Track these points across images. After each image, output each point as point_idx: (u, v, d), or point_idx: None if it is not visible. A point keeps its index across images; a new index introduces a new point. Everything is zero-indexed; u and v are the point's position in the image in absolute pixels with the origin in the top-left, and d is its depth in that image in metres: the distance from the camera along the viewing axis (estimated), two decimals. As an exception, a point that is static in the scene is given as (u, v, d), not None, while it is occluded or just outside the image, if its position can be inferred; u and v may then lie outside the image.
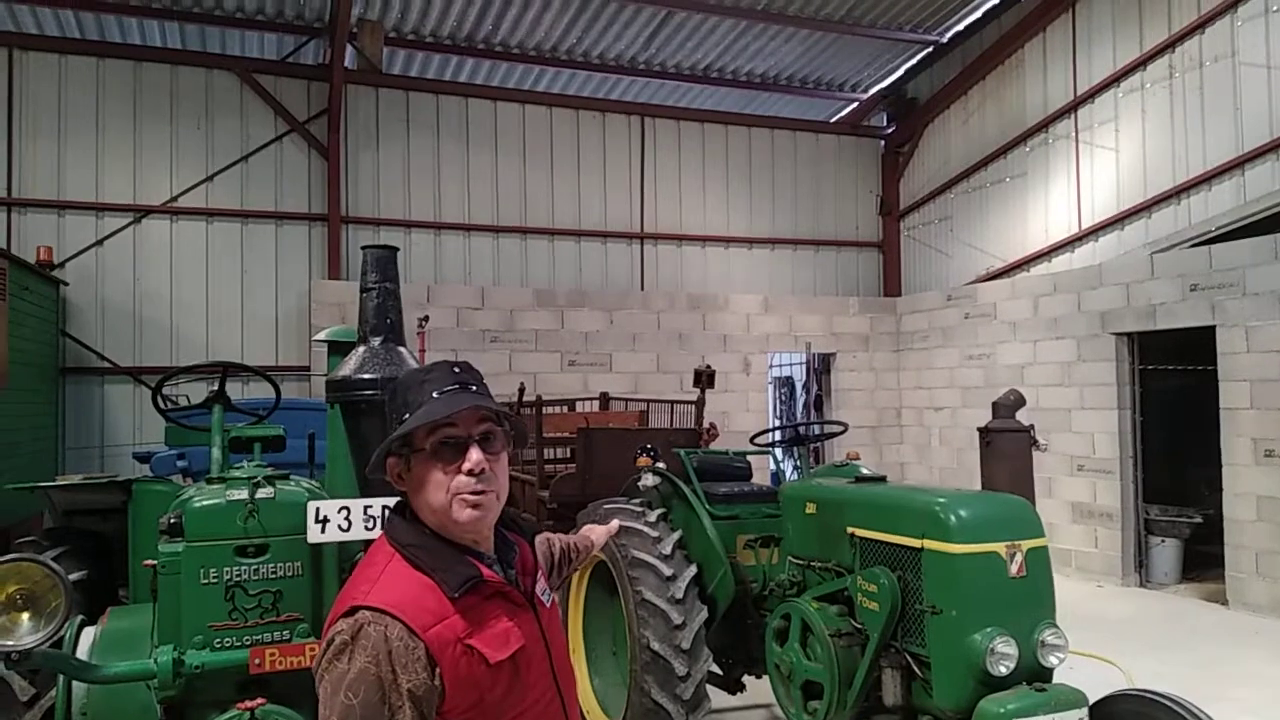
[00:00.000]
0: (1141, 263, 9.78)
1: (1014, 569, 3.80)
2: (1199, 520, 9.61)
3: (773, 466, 17.46)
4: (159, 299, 10.83)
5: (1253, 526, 8.54)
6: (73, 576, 4.14)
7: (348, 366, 3.17)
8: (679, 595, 4.76)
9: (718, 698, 5.23)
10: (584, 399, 10.17)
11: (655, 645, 4.64)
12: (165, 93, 10.94)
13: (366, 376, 3.12)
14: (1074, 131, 11.32)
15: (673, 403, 8.60)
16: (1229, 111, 9.57)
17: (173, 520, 3.07)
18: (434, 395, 1.74)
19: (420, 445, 1.73)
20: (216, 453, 4.43)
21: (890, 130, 14.38)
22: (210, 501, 3.04)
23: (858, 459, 5.49)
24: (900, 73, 13.64)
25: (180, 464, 6.48)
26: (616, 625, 5.41)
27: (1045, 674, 3.79)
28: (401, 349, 3.28)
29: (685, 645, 4.66)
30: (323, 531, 3.03)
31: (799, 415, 17.59)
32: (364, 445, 3.16)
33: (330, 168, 11.38)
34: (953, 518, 3.86)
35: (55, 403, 9.96)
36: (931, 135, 13.74)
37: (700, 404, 8.00)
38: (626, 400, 9.99)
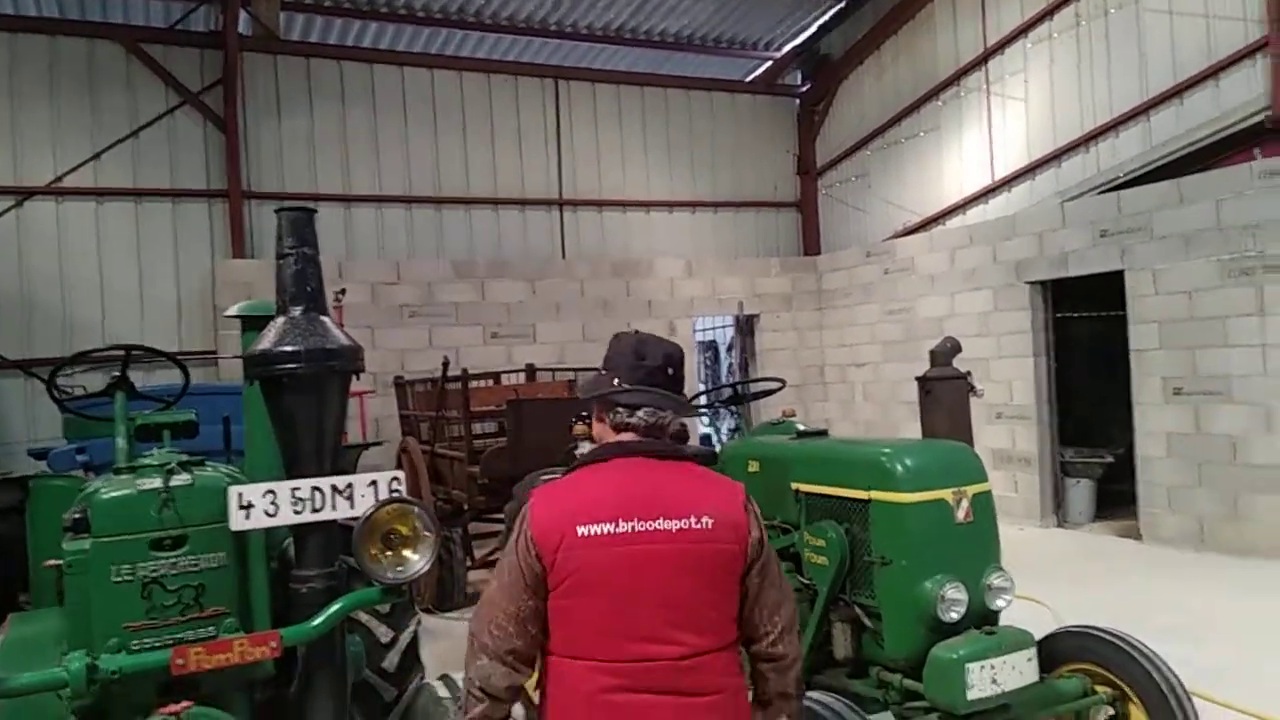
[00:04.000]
0: (1053, 211, 9.99)
1: (960, 515, 3.80)
2: (1111, 460, 9.94)
3: (703, 429, 17.54)
4: (48, 286, 10.17)
5: (1163, 463, 8.86)
6: (-33, 584, 3.84)
7: (267, 340, 2.92)
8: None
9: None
10: (510, 371, 9.96)
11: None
12: (44, 66, 10.20)
13: (288, 349, 2.88)
14: (985, 84, 11.47)
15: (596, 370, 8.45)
16: (1134, 58, 9.79)
17: (77, 515, 2.81)
18: (643, 387, 2.27)
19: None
20: (122, 442, 4.13)
21: (805, 89, 14.38)
22: (119, 493, 2.78)
23: (794, 415, 5.45)
24: (813, 29, 13.61)
25: (81, 458, 6.07)
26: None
27: (993, 617, 3.81)
28: (324, 318, 3.05)
29: (632, 613, 4.57)
30: (247, 518, 2.81)
31: (725, 378, 17.65)
32: (290, 423, 2.93)
33: (229, 141, 10.81)
34: (899, 467, 3.83)
35: (-60, 401, 9.30)
36: (846, 92, 13.79)
37: (630, 369, 7.88)
38: (554, 370, 9.82)
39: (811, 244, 14.36)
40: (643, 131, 13.36)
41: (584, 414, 5.66)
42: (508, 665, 2.14)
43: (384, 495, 2.99)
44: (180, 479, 2.84)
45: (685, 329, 12.88)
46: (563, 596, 2.11)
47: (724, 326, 16.76)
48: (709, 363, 18.03)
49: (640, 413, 2.27)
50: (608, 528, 2.10)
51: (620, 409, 2.28)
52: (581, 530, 2.09)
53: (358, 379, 3.19)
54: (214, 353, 10.51)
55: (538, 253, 12.48)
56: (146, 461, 2.92)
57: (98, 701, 2.68)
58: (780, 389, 5.30)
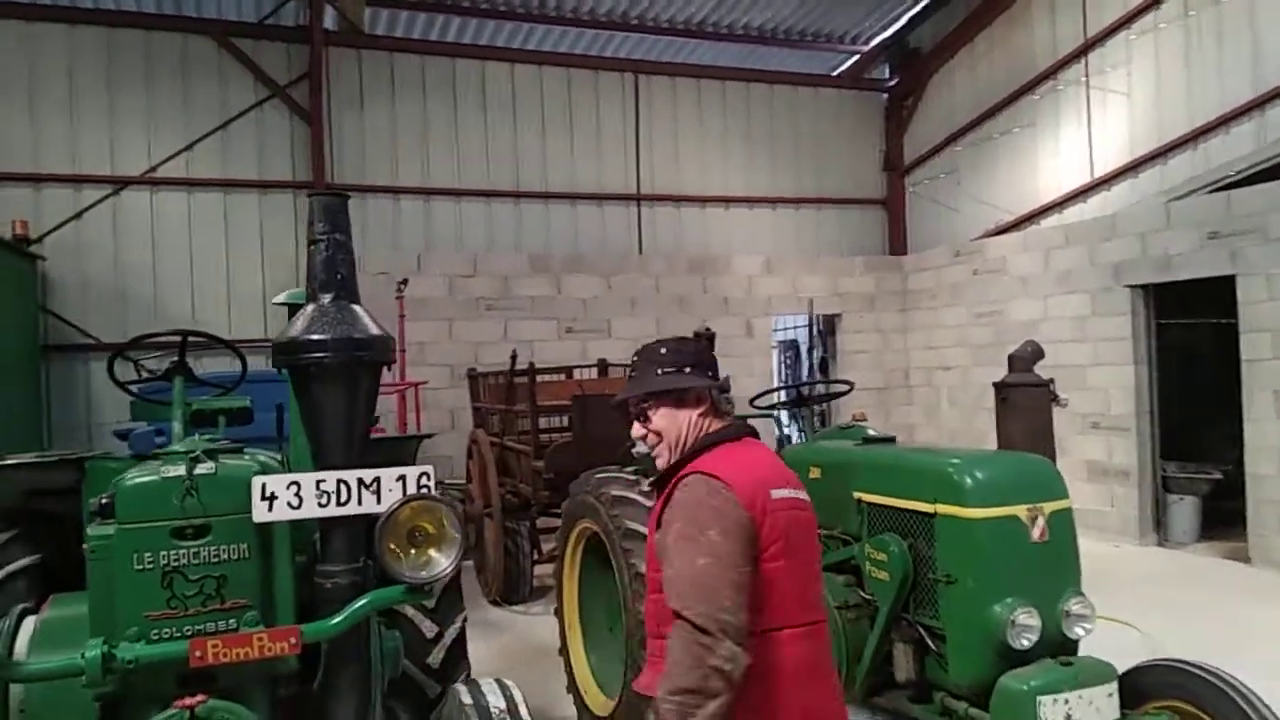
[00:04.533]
0: (1157, 211, 9.39)
1: (1035, 533, 3.51)
2: (1218, 477, 9.30)
3: (777, 430, 17.20)
4: (142, 273, 10.51)
5: (1275, 481, 8.22)
6: (22, 562, 3.87)
7: (295, 327, 2.84)
8: (675, 568, 4.47)
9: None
10: (582, 366, 9.87)
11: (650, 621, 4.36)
12: (140, 59, 10.56)
13: (315, 338, 2.79)
14: (1085, 77, 10.88)
15: (671, 367, 8.27)
16: (1247, 50, 9.13)
17: (104, 500, 2.77)
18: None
19: None
20: (177, 427, 4.14)
21: (893, 83, 13.92)
22: (143, 479, 2.73)
23: (864, 420, 5.19)
24: (903, 22, 13.16)
25: (160, 440, 6.19)
26: (612, 600, 5.13)
27: (1071, 646, 3.51)
28: (355, 307, 2.95)
29: (683, 621, 4.38)
30: (270, 509, 2.73)
31: (806, 378, 17.28)
32: (316, 413, 2.85)
33: (313, 133, 11.00)
34: (968, 480, 3.56)
35: (37, 381, 9.67)
36: (936, 86, 13.29)
37: (699, 368, 7.68)
38: (625, 367, 9.66)
39: (898, 243, 13.90)
40: (723, 126, 13.12)
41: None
42: (743, 645, 2.07)
43: (412, 490, 2.89)
44: (204, 467, 2.77)
45: (763, 328, 12.60)
46: (771, 560, 2.19)
47: (804, 326, 16.40)
48: (789, 362, 17.67)
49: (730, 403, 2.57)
50: (786, 492, 2.29)
51: (725, 397, 2.53)
52: (774, 493, 2.25)
53: (389, 370, 3.09)
54: (270, 340, 10.65)
55: (614, 248, 12.37)
56: (174, 448, 2.86)
57: (118, 690, 2.63)
58: (848, 392, 5.04)
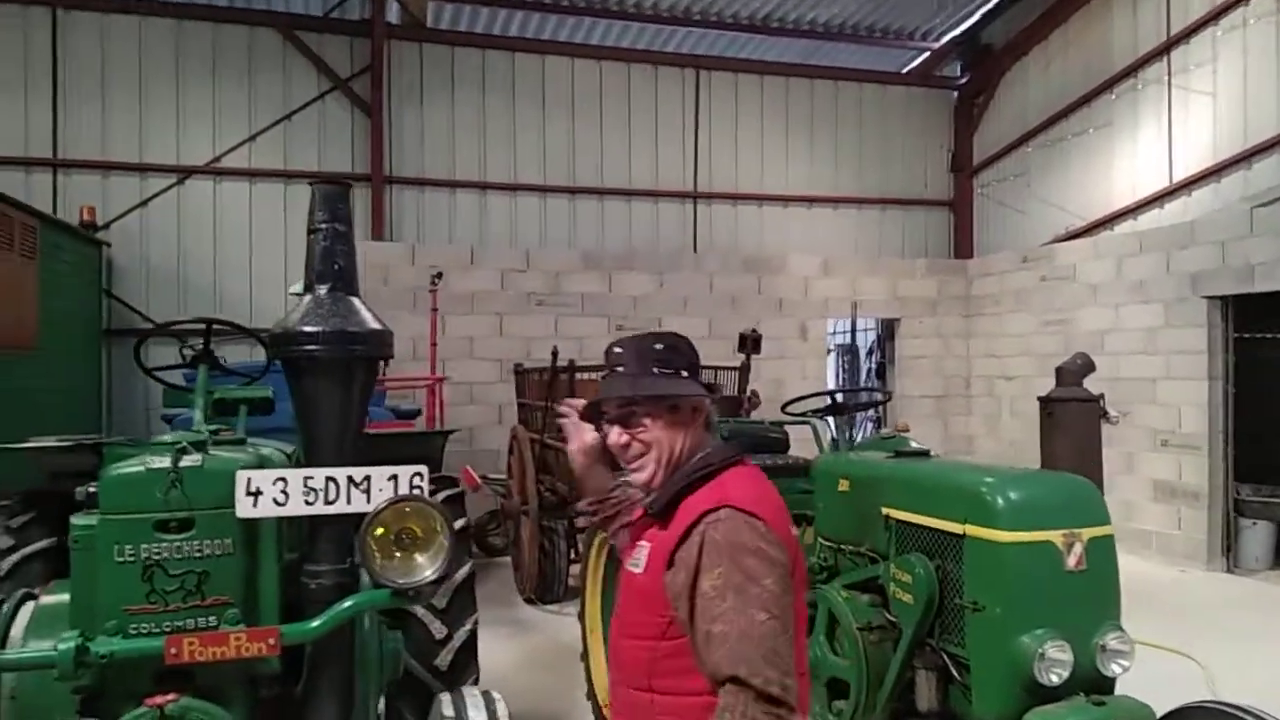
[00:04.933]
0: (1239, 218, 8.87)
1: (1071, 561, 3.26)
2: (1297, 501, 8.76)
3: (831, 433, 16.84)
4: (203, 261, 10.72)
5: (1360, 510, 7.69)
6: (37, 545, 3.91)
7: (290, 318, 2.78)
8: (695, 577, 4.31)
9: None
10: (629, 364, 9.73)
11: (668, 632, 4.22)
12: (207, 51, 10.77)
13: (308, 329, 2.72)
14: (1166, 75, 10.35)
15: (716, 368, 8.11)
16: (1345, 48, 8.56)
17: (91, 490, 2.74)
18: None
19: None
20: (198, 415, 4.12)
21: (963, 81, 13.48)
22: (128, 470, 2.69)
23: (907, 431, 4.96)
24: (975, 18, 12.72)
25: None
26: (634, 607, 5.00)
27: (1106, 684, 3.25)
28: (353, 299, 2.87)
29: (702, 634, 4.22)
30: (255, 505, 2.66)
31: (864, 384, 16.89)
32: (308, 407, 2.78)
33: (373, 126, 11.08)
34: (1000, 500, 3.32)
35: (99, 364, 9.94)
36: (1008, 85, 12.82)
37: (744, 370, 7.51)
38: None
39: (963, 246, 13.46)
40: (785, 124, 12.86)
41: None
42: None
43: (404, 490, 2.80)
44: (190, 460, 2.71)
45: (818, 331, 12.32)
46: (799, 602, 2.03)
47: (865, 330, 16.03)
48: (846, 366, 17.30)
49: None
50: (794, 528, 2.11)
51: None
52: (793, 529, 2.08)
53: (386, 365, 3.00)
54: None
55: (668, 245, 12.22)
56: (163, 439, 2.81)
57: (96, 684, 2.59)
58: (886, 401, 4.81)
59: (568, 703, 5.40)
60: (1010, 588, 3.26)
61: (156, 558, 2.64)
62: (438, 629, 4.05)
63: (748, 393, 7.20)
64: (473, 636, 4.20)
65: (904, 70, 13.59)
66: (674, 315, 11.58)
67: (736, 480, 2.07)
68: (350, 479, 2.76)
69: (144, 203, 10.54)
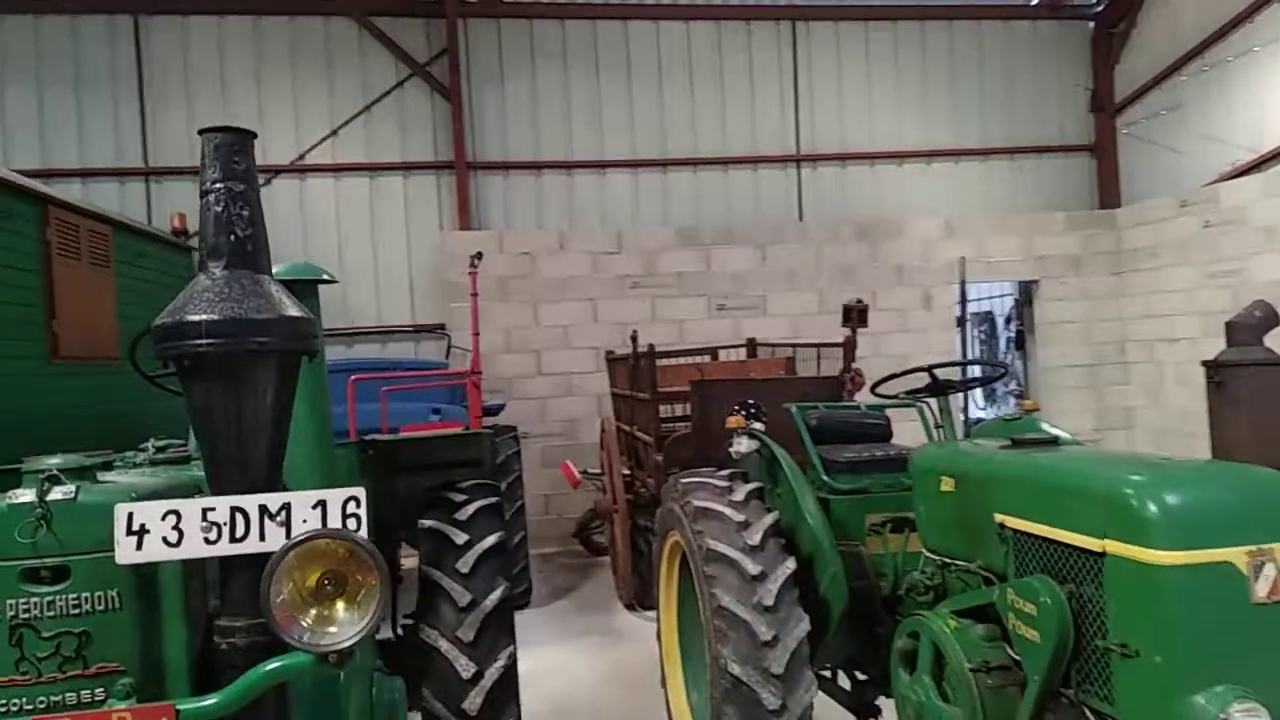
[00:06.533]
0: None
1: (1261, 590, 2.35)
2: None
3: (980, 408, 15.51)
4: (291, 260, 10.53)
5: None
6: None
7: (175, 306, 2.18)
8: (768, 601, 3.54)
9: (845, 725, 4.04)
10: (730, 346, 8.98)
11: (735, 668, 3.47)
12: (285, 46, 10.58)
13: (192, 319, 2.12)
14: (1353, -28, 8.73)
15: (819, 345, 7.26)
16: None
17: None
18: None
19: None
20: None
21: (1100, 8, 11.94)
22: (-14, 506, 2.17)
23: (1036, 411, 4.01)
24: (1111, -66, 11.23)
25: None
26: (709, 630, 4.27)
27: (1321, 763, 2.32)
28: (261, 279, 2.26)
29: (777, 669, 3.46)
30: (139, 547, 2.09)
31: (1003, 354, 15.48)
32: (203, 419, 2.17)
33: (453, 111, 10.65)
34: (1153, 506, 2.42)
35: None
36: (1152, 8, 11.26)
37: (849, 346, 6.62)
38: (774, 346, 8.69)
39: (1109, 194, 11.96)
40: (895, 74, 11.69)
41: (749, 402, 4.57)
42: None
43: (335, 522, 2.17)
44: (61, 491, 2.16)
45: (943, 298, 11.16)
46: None
47: (1002, 295, 14.64)
48: (984, 336, 15.91)
49: None
50: None
51: None
52: None
53: (310, 360, 2.37)
54: (443, 326, 10.45)
55: (770, 216, 11.30)
56: (33, 465, 2.26)
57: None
58: (1002, 377, 3.88)
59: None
60: (1173, 627, 2.37)
61: (25, 616, 2.11)
62: (464, 666, 3.46)
63: (850, 371, 6.30)
64: (508, 673, 3.57)
65: (1030, 2, 12.16)
66: (779, 291, 10.73)
67: None
68: (264, 509, 2.15)
69: (233, 206, 10.44)
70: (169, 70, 10.33)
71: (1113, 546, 2.50)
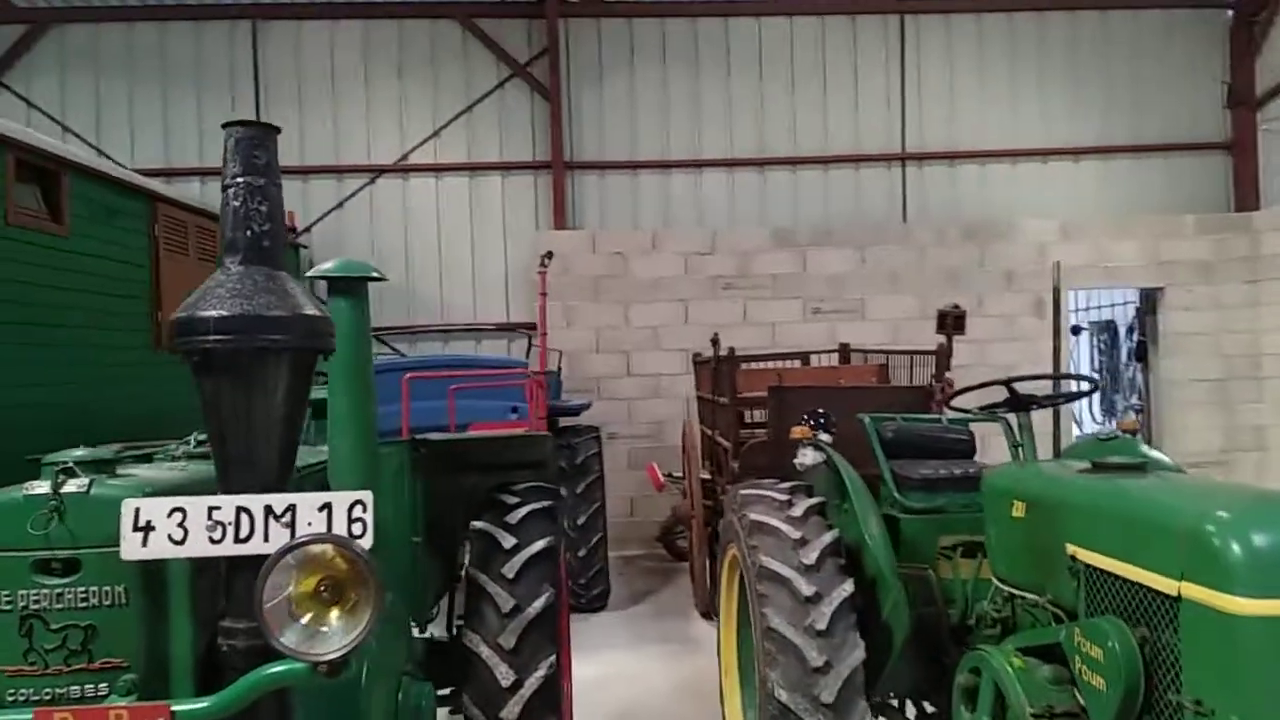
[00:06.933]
0: None
1: (1365, 650, 2.03)
2: None
3: (1098, 423, 14.66)
4: (394, 259, 10.80)
5: None
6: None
7: (190, 301, 2.17)
8: (821, 625, 3.36)
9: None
10: (821, 351, 8.71)
11: (782, 694, 3.30)
12: (393, 49, 10.84)
13: (208, 314, 2.10)
14: None
15: (913, 353, 6.95)
16: None
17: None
18: None
19: None
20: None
21: (1240, -3, 11.09)
22: (2, 497, 2.21)
23: (1135, 432, 3.68)
24: (1255, -85, 10.40)
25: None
26: (767, 647, 4.09)
27: None
28: (278, 275, 2.23)
29: (827, 698, 3.27)
30: (144, 544, 2.08)
31: (1124, 367, 14.60)
32: (215, 417, 2.16)
33: (552, 111, 10.69)
34: (1235, 546, 2.15)
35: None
36: (1303, -7, 10.39)
37: (943, 354, 6.29)
38: (867, 353, 8.38)
39: (1246, 196, 11.09)
40: (1009, 68, 11.13)
41: (818, 411, 4.37)
42: None
43: (339, 527, 2.12)
44: (74, 484, 2.17)
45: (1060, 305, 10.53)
46: None
47: (1124, 304, 13.82)
48: (1104, 346, 15.05)
49: None
50: None
51: None
52: None
53: (325, 359, 2.33)
54: (533, 326, 10.50)
55: (870, 216, 10.93)
56: (55, 456, 2.29)
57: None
58: (1092, 393, 3.56)
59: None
60: (1257, 686, 2.09)
61: (35, 607, 2.13)
62: (504, 674, 3.38)
63: (940, 382, 5.97)
64: (549, 682, 3.47)
65: (1162, -9, 11.39)
66: (879, 294, 10.36)
67: None
68: (269, 510, 2.12)
69: (339, 205, 10.77)
70: (283, 72, 10.72)
71: (1189, 590, 2.23)
